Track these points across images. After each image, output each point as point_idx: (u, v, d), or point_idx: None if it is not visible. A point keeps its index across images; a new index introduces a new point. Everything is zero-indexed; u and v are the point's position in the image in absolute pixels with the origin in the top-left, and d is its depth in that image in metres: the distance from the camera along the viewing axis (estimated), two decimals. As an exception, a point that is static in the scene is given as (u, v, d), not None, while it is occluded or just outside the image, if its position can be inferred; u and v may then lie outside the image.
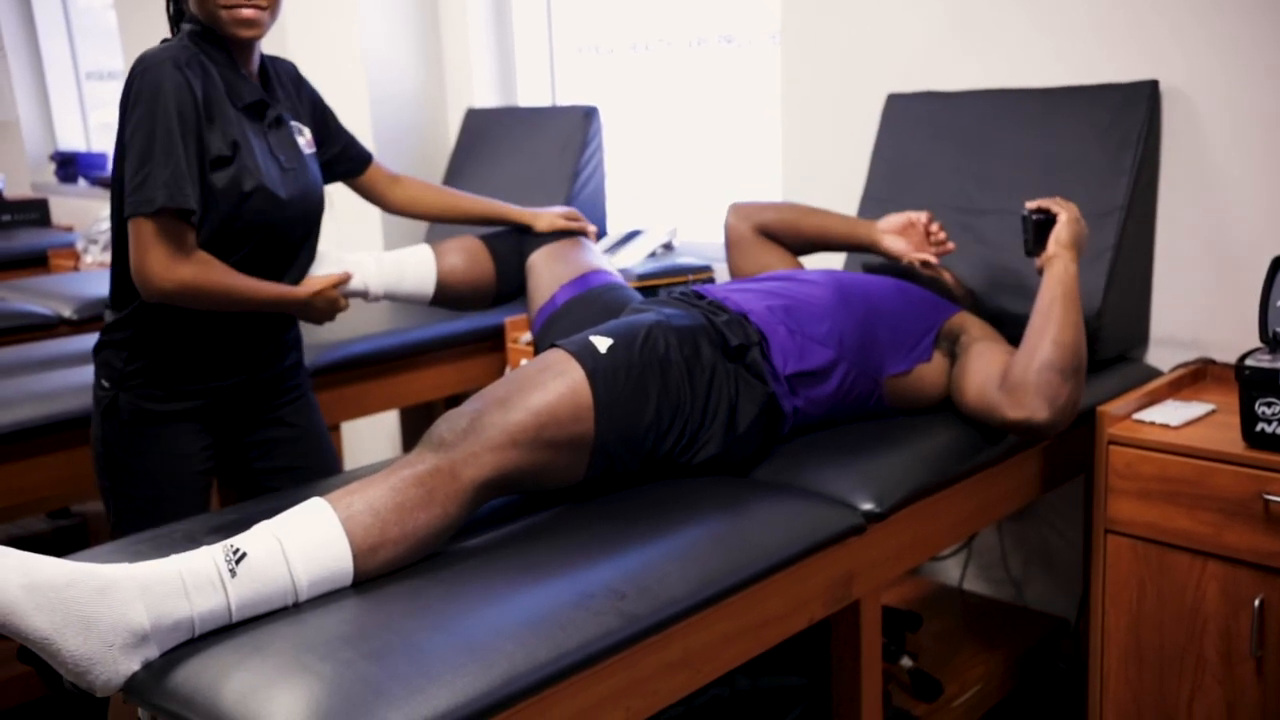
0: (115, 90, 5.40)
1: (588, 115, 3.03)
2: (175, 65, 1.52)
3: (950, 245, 1.94)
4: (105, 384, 1.69)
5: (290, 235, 1.70)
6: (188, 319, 1.65)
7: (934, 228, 1.93)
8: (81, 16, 5.50)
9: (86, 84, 5.60)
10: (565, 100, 3.45)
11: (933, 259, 1.91)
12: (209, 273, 1.57)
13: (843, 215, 2.05)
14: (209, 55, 1.60)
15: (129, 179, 1.53)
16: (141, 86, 1.52)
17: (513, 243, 1.95)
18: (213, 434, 1.74)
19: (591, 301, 1.74)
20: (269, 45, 1.81)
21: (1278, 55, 1.89)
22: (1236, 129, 1.96)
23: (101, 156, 5.44)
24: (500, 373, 2.72)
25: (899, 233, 1.95)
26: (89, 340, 2.72)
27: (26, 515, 3.09)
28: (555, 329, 1.75)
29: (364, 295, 1.90)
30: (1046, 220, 1.76)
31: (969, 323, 1.83)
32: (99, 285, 3.33)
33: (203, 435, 1.72)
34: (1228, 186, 1.99)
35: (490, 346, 2.74)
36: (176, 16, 1.73)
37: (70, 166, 5.37)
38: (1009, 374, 1.63)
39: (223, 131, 1.57)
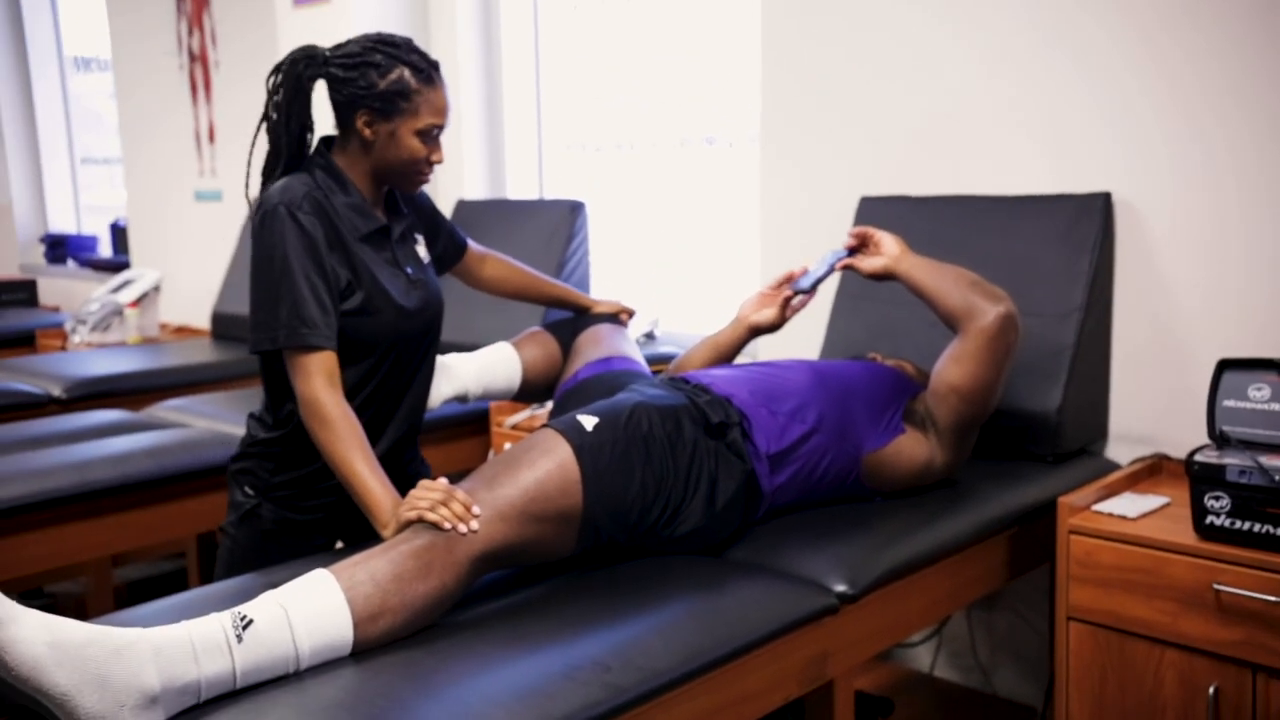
0: (108, 174, 5.53)
1: (574, 209, 3.15)
2: (289, 210, 1.61)
3: (800, 301, 2.04)
4: (249, 491, 1.76)
5: (419, 342, 1.78)
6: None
7: (785, 289, 2.04)
8: (80, 103, 5.65)
9: (81, 168, 5.73)
10: (552, 195, 3.59)
11: (797, 306, 2.04)
12: (345, 420, 1.58)
13: (720, 329, 2.10)
14: (332, 189, 1.69)
15: (251, 315, 1.63)
16: (261, 232, 1.62)
17: (571, 332, 2.07)
18: (343, 539, 1.80)
19: (607, 382, 1.83)
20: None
21: (1220, 172, 2.03)
22: (1184, 239, 2.09)
23: (92, 239, 5.53)
24: (485, 456, 2.78)
25: (759, 307, 2.06)
26: (79, 419, 2.77)
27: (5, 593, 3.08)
28: (568, 404, 1.83)
29: (464, 398, 1.99)
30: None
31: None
32: (87, 365, 3.38)
33: (331, 542, 1.79)
34: (1177, 292, 2.11)
35: (473, 430, 2.81)
36: (282, 147, 1.73)
37: (60, 248, 5.46)
38: (960, 318, 1.83)
39: (343, 263, 1.66)
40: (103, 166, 5.59)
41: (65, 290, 5.36)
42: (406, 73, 1.66)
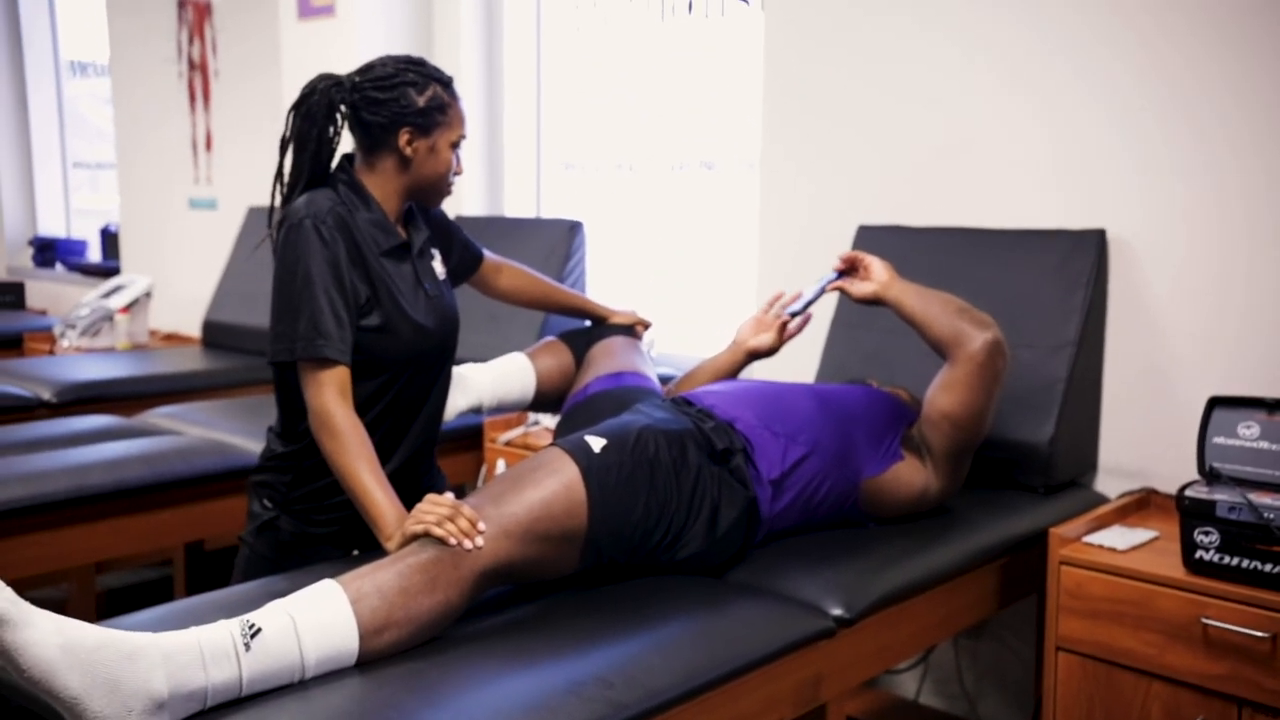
0: (96, 178, 5.53)
1: (572, 229, 3.18)
2: (314, 225, 1.63)
3: (796, 325, 2.06)
4: (267, 504, 1.77)
5: (436, 358, 1.79)
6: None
7: (778, 310, 2.08)
8: (69, 106, 5.65)
9: (73, 172, 5.72)
10: (549, 213, 3.61)
11: (793, 330, 2.06)
12: (354, 432, 1.59)
13: (718, 353, 2.13)
14: (355, 205, 1.71)
15: (271, 326, 1.65)
16: (285, 245, 1.65)
17: (586, 343, 2.08)
18: (360, 550, 1.80)
19: (616, 398, 1.84)
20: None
21: (1210, 212, 2.08)
22: (1176, 277, 2.13)
23: (81, 243, 5.52)
24: (478, 471, 2.79)
25: (756, 332, 2.09)
26: (73, 423, 2.77)
27: None
28: (576, 419, 1.85)
29: (479, 410, 2.00)
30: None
31: None
32: (77, 369, 3.37)
33: (346, 553, 1.79)
34: (1168, 329, 2.15)
35: (467, 445, 2.81)
36: (304, 166, 1.75)
37: (49, 252, 5.44)
38: (949, 344, 1.85)
39: (364, 278, 1.68)
40: (92, 170, 5.58)
41: (53, 294, 5.33)
42: (439, 88, 1.72)
